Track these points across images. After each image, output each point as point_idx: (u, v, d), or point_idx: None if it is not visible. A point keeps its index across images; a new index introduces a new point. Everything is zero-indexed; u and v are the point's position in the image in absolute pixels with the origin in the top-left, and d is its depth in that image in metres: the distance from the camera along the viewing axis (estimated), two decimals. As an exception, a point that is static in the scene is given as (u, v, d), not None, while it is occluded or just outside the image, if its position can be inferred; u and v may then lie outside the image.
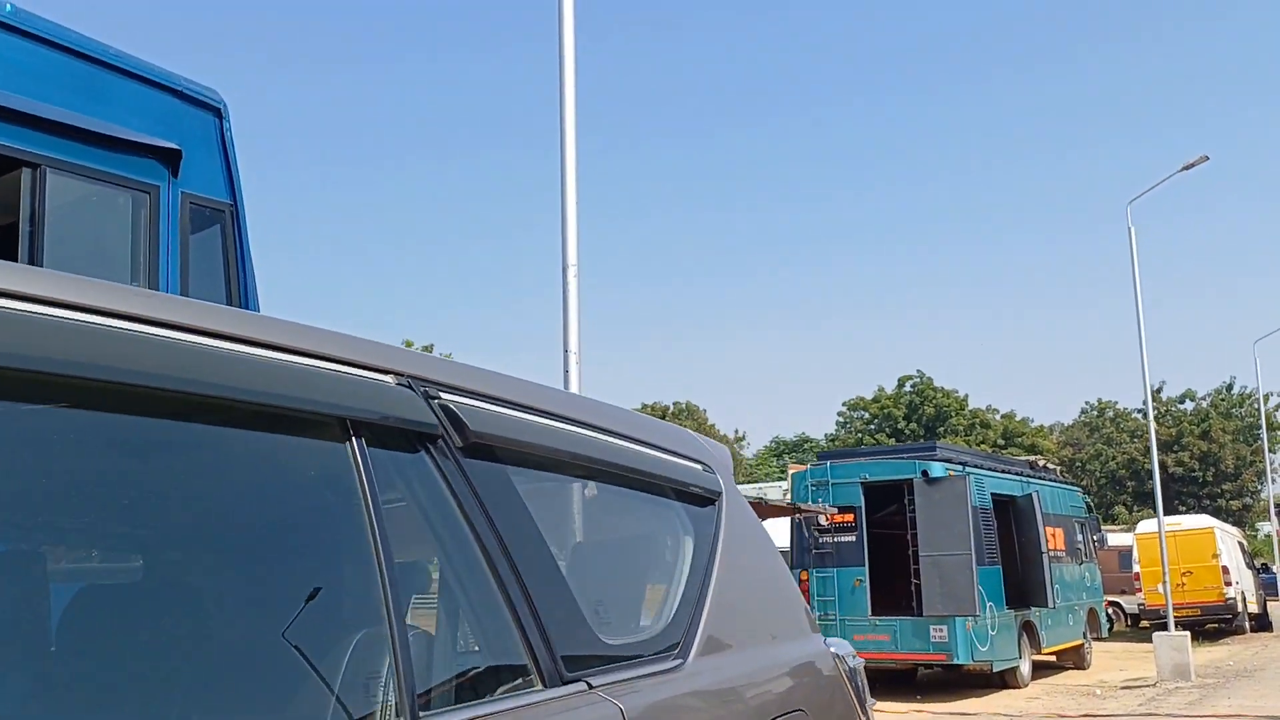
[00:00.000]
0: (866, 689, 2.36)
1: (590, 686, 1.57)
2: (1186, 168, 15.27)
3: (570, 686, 1.53)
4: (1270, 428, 57.33)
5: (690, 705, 1.75)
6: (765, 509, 13.12)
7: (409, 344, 47.10)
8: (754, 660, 2.02)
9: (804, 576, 14.65)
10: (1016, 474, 16.52)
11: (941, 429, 55.80)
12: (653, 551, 2.11)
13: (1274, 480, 45.26)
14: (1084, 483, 58.35)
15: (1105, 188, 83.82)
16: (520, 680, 1.48)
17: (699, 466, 2.19)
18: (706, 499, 2.15)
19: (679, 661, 1.81)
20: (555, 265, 5.73)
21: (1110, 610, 25.63)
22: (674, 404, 73.59)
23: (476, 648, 1.53)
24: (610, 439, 1.89)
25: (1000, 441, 55.21)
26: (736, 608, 2.06)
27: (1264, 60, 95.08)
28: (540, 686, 1.49)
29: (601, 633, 1.68)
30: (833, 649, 2.32)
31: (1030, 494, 15.66)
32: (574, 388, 5.49)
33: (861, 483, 14.56)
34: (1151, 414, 17.68)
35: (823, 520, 14.39)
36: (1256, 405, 44.62)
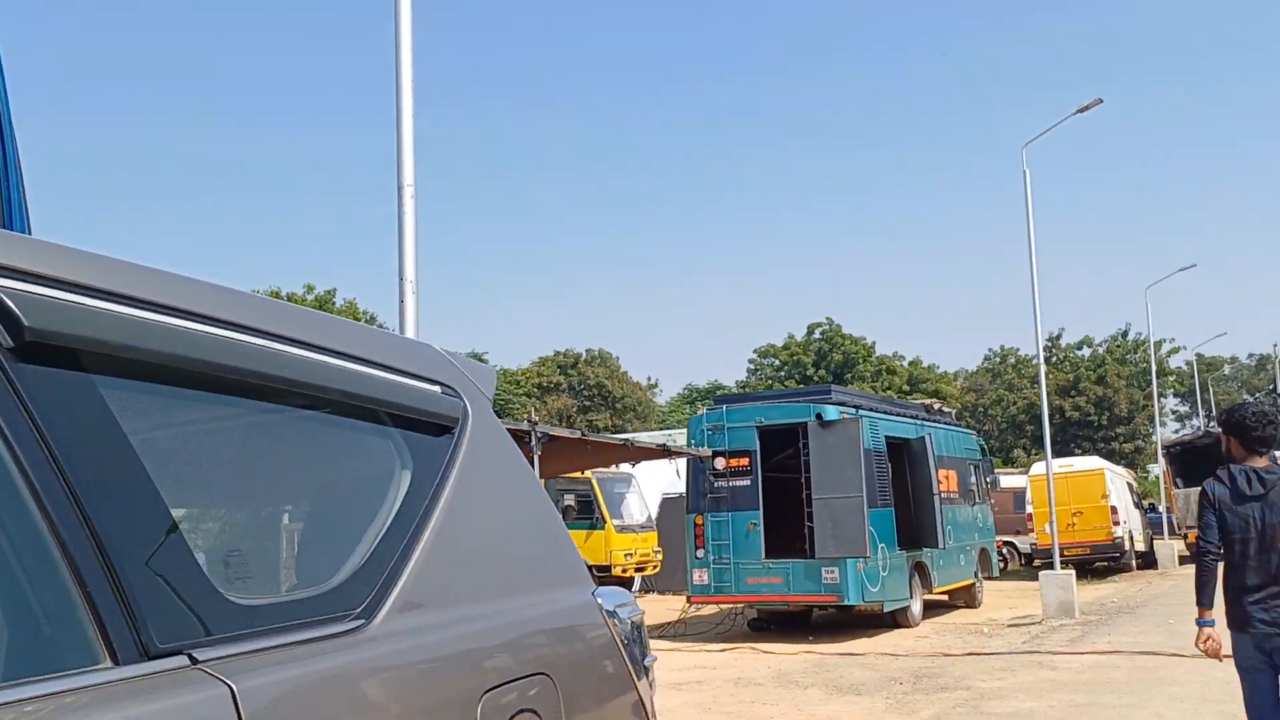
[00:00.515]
0: (645, 645, 2.06)
1: (194, 661, 1.20)
2: (1081, 110, 15.31)
3: (161, 662, 1.17)
4: (1161, 373, 59.41)
5: (355, 677, 1.39)
6: (634, 451, 12.91)
7: (311, 289, 45.61)
8: (479, 619, 1.67)
9: (699, 521, 14.55)
10: (911, 417, 16.58)
11: (849, 375, 56.58)
12: (345, 489, 1.73)
13: (1164, 424, 46.90)
14: (986, 427, 59.92)
15: (1007, 135, 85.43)
16: (76, 654, 1.11)
17: (435, 388, 1.82)
18: (440, 427, 1.79)
19: (359, 623, 1.45)
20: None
21: (1004, 550, 26.31)
22: (586, 351, 73.38)
23: (13, 614, 1.15)
24: (289, 349, 1.51)
25: (905, 387, 56.23)
26: (465, 556, 1.71)
27: (1157, 11, 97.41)
28: (108, 663, 1.13)
29: (231, 591, 1.32)
30: (602, 601, 2.00)
31: (923, 437, 15.74)
32: (410, 320, 5.07)
33: (757, 427, 14.44)
34: (1043, 359, 17.86)
35: (711, 463, 14.29)
36: (1149, 351, 46.02)
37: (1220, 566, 5.11)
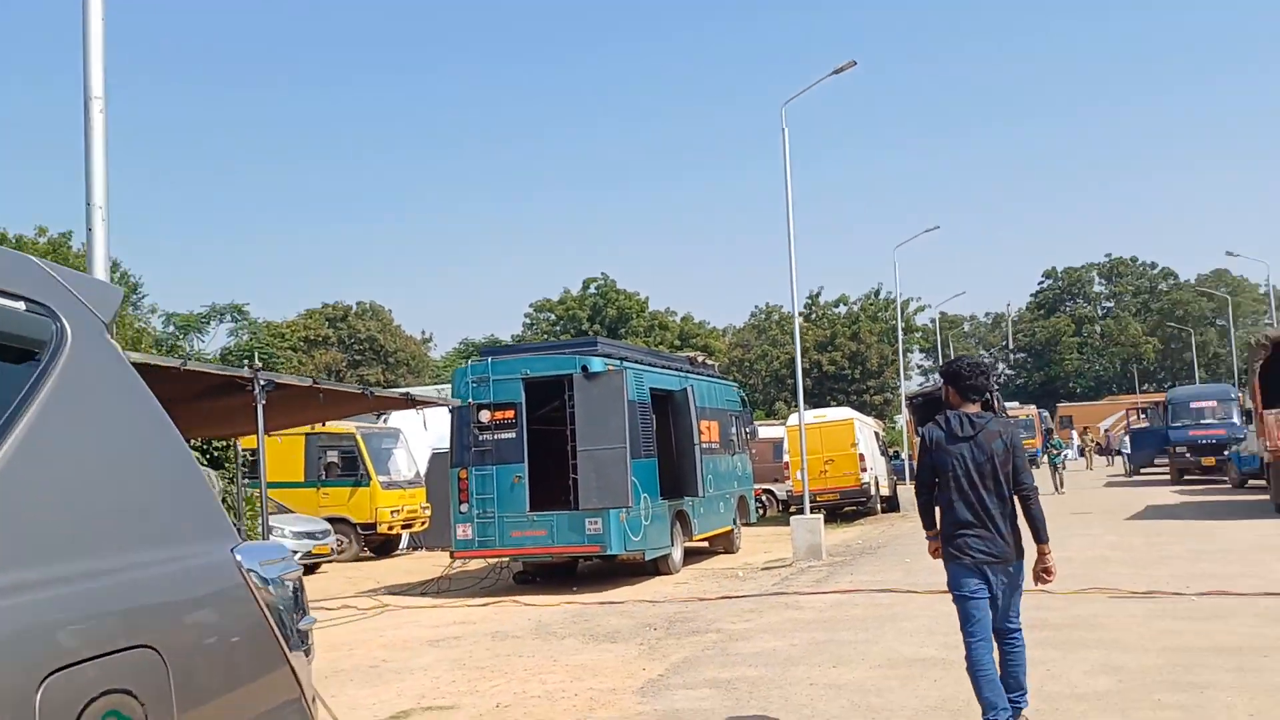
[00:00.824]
0: (303, 608, 1.81)
1: None
2: (836, 71, 15.90)
3: None
4: (909, 330, 63.59)
5: None
6: (373, 401, 12.44)
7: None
8: (50, 585, 1.37)
9: (463, 475, 14.28)
10: (676, 370, 16.87)
11: (624, 330, 57.38)
12: None
13: (909, 377, 50.23)
14: (751, 381, 62.40)
15: (771, 94, 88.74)
16: None
17: (17, 305, 1.49)
18: (19, 351, 1.47)
19: None
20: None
21: (764, 497, 27.46)
22: (357, 304, 70.92)
23: None
24: None
25: (677, 342, 57.63)
26: (39, 508, 1.40)
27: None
28: None
29: None
30: (242, 559, 1.73)
31: (686, 389, 16.04)
32: (100, 252, 4.46)
33: (523, 379, 14.26)
34: (798, 316, 18.57)
35: (476, 416, 14.05)
36: (896, 309, 49.06)
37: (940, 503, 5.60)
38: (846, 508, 25.62)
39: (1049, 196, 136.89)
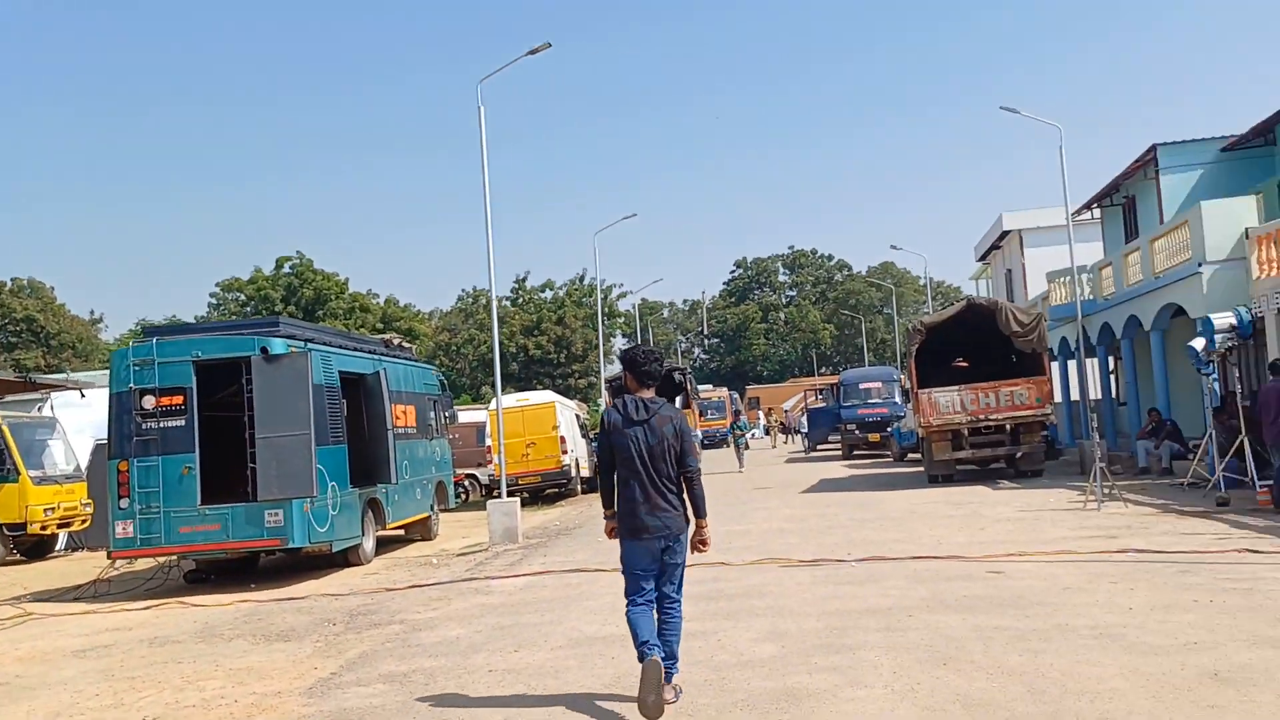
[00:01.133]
0: None
1: None
2: (532, 52, 15.82)
3: None
4: (611, 315, 65.21)
5: None
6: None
7: None
8: None
9: (123, 467, 12.97)
10: (369, 353, 16.18)
11: (321, 312, 54.90)
12: None
13: (611, 362, 51.51)
14: (459, 365, 61.74)
15: (472, 73, 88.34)
16: None
17: None
18: None
19: None
20: None
21: (466, 482, 27.18)
22: (13, 280, 63.54)
23: None
24: None
25: (379, 325, 55.92)
26: None
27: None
28: None
29: None
30: None
31: (379, 372, 15.44)
32: None
33: (194, 361, 13.12)
34: (495, 300, 18.41)
35: (139, 402, 12.83)
36: (601, 293, 50.10)
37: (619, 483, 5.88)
38: (548, 490, 25.84)
39: (740, 187, 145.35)
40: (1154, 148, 24.12)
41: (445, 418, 19.55)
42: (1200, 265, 18.14)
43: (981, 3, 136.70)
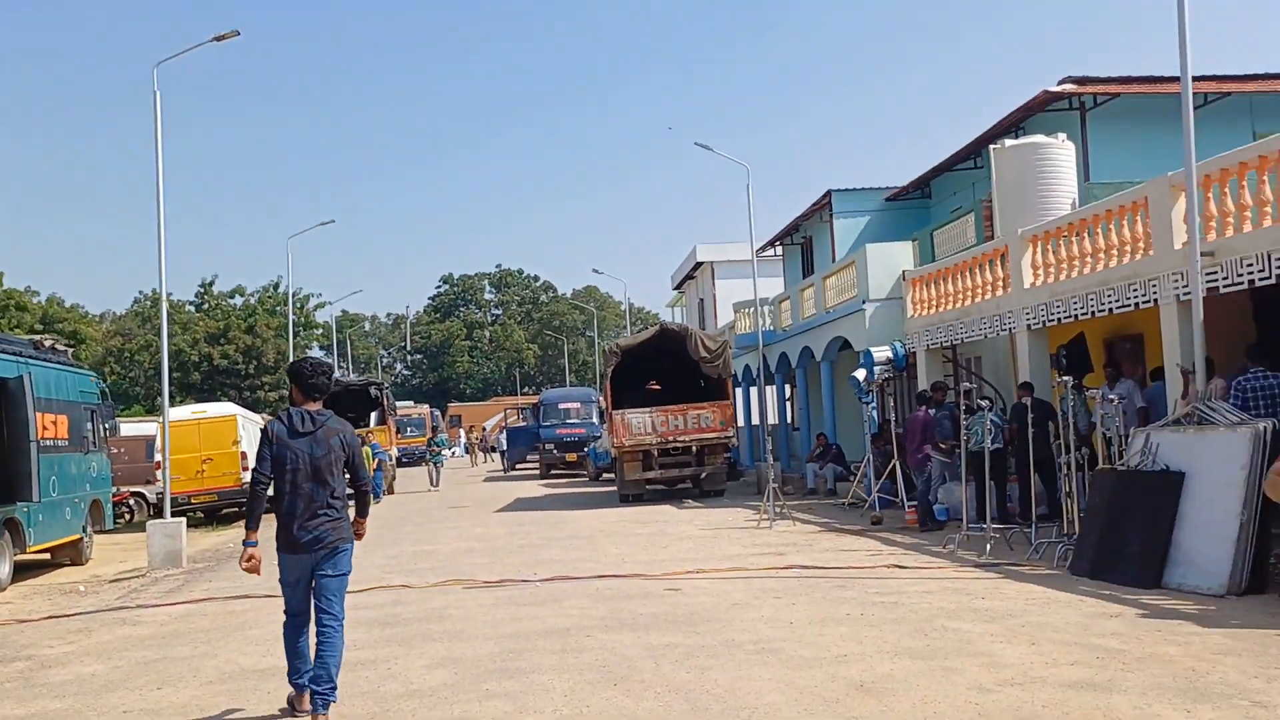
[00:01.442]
0: None
1: None
2: (218, 39, 14.73)
3: None
4: (309, 325, 62.43)
5: None
6: None
7: None
8: None
9: None
10: (13, 354, 14.38)
11: (-34, 309, 48.60)
12: None
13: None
14: (133, 374, 56.61)
15: (151, 58, 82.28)
16: None
17: None
18: None
19: None
20: None
21: (131, 500, 24.86)
22: None
23: None
24: None
25: (39, 327, 50.33)
26: None
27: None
28: None
29: None
30: None
31: (22, 376, 13.76)
32: None
33: None
34: (165, 295, 16.94)
35: None
36: (296, 302, 47.75)
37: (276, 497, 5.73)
38: (226, 509, 24.11)
39: (447, 202, 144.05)
40: (829, 193, 26.21)
41: (105, 429, 17.77)
42: (864, 302, 19.83)
43: (695, 57, 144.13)
